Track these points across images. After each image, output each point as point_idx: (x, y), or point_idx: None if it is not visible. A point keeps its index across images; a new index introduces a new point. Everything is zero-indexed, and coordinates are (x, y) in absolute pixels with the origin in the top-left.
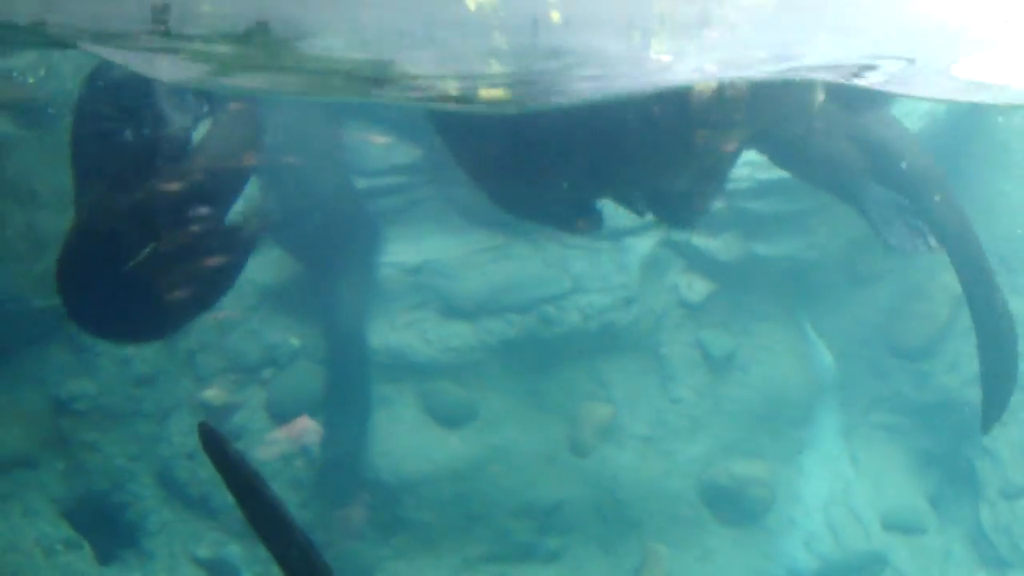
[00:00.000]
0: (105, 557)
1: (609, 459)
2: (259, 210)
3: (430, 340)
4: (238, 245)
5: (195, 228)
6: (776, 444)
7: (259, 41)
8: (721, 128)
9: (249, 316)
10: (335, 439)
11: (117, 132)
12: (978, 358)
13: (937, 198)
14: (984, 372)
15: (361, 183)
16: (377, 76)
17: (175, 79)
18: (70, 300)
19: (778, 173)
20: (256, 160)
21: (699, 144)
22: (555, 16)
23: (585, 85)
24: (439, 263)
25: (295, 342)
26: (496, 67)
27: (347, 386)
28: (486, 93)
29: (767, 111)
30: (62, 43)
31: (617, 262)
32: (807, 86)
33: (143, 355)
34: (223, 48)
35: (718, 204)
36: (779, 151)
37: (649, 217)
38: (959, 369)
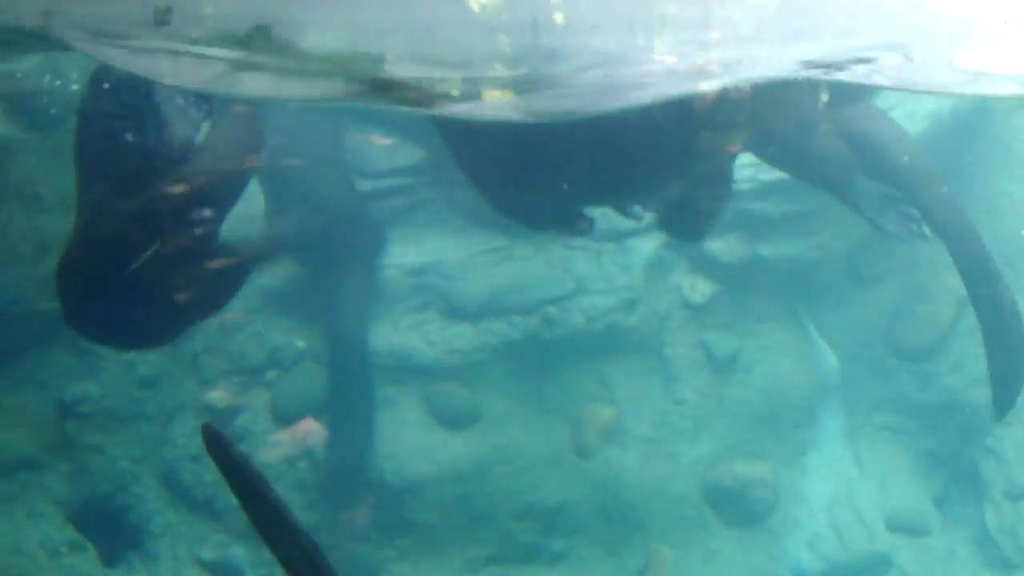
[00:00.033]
0: (109, 559)
1: (613, 460)
2: (271, 233)
3: (433, 342)
4: (240, 261)
5: (196, 232)
6: (780, 445)
7: (261, 43)
8: (725, 129)
9: (253, 318)
10: (339, 441)
11: (120, 133)
12: (984, 344)
13: (928, 187)
14: (990, 358)
15: (364, 185)
16: (379, 78)
17: (177, 82)
18: (69, 304)
19: (780, 174)
20: (256, 162)
21: (702, 146)
22: (558, 18)
23: (590, 84)
24: (442, 265)
25: (300, 344)
26: (500, 69)
27: (351, 388)
28: (490, 95)
29: (771, 112)
30: (65, 46)
31: (620, 263)
32: (811, 86)
33: (147, 358)
34: (226, 50)
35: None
36: (768, 148)
37: (647, 219)
38: (963, 370)
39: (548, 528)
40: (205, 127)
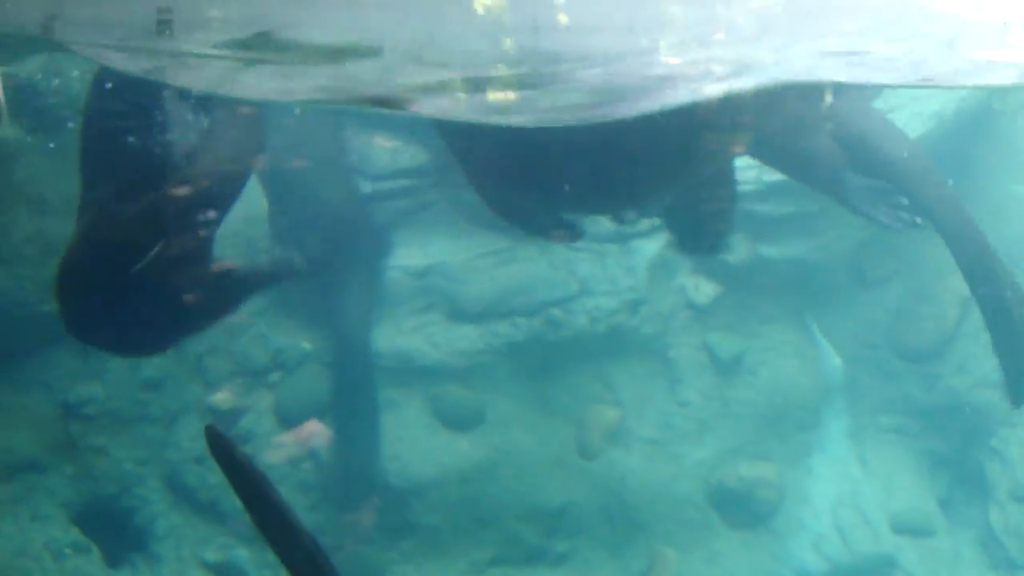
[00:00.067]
0: (113, 561)
1: (617, 462)
2: (279, 258)
3: (437, 343)
4: (242, 278)
5: (194, 235)
6: (784, 446)
7: (264, 45)
8: (727, 132)
9: (257, 320)
10: (344, 444)
11: (121, 136)
12: (992, 341)
13: (927, 187)
14: (1001, 354)
15: (368, 187)
16: (384, 81)
17: (180, 83)
18: (69, 309)
19: (784, 175)
20: (254, 164)
21: (704, 149)
22: (562, 19)
23: (593, 83)
24: (446, 266)
25: (306, 346)
26: (504, 70)
27: (355, 391)
28: (494, 96)
29: (776, 113)
30: (68, 49)
31: (624, 265)
32: (816, 87)
33: (151, 359)
34: (230, 52)
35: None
36: (761, 149)
37: (644, 225)
38: (968, 371)
39: (552, 530)
40: (204, 129)
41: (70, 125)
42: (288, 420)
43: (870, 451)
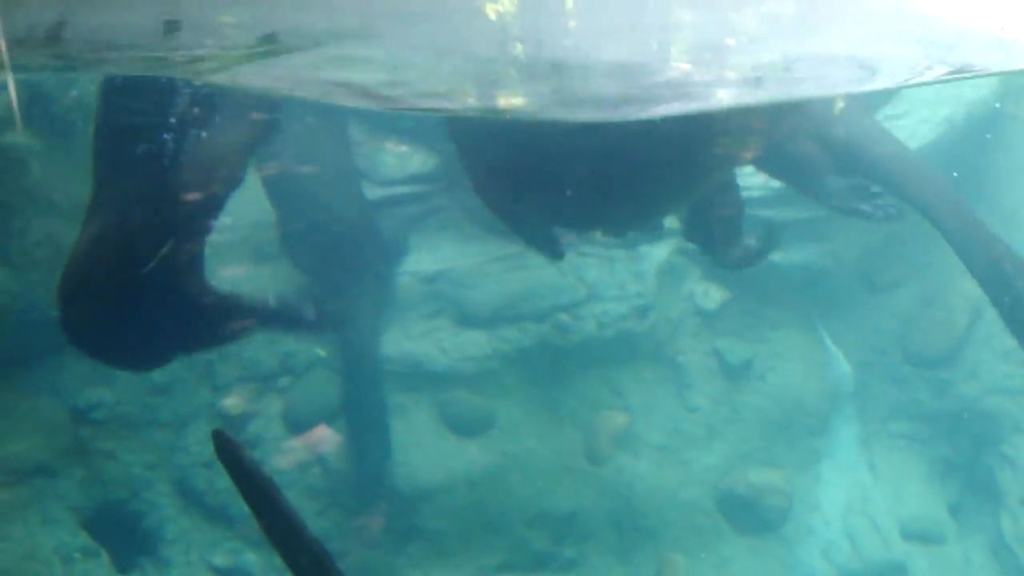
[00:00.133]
0: (122, 565)
1: (625, 468)
2: (293, 306)
3: (446, 349)
4: (242, 309)
5: (195, 242)
6: (793, 452)
7: (275, 50)
8: (740, 136)
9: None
10: (355, 449)
11: (126, 139)
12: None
13: (930, 194)
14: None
15: (377, 192)
16: (393, 83)
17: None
18: (70, 318)
19: None
20: (245, 169)
21: (712, 158)
22: (572, 25)
23: (607, 92)
24: (455, 272)
25: (321, 352)
26: (515, 76)
27: (364, 396)
28: (505, 102)
29: (787, 118)
30: (77, 55)
31: (633, 270)
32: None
33: None
34: (242, 57)
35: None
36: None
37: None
38: (978, 377)
39: (560, 536)
40: (200, 136)
41: (81, 130)
42: (297, 425)
43: (880, 457)
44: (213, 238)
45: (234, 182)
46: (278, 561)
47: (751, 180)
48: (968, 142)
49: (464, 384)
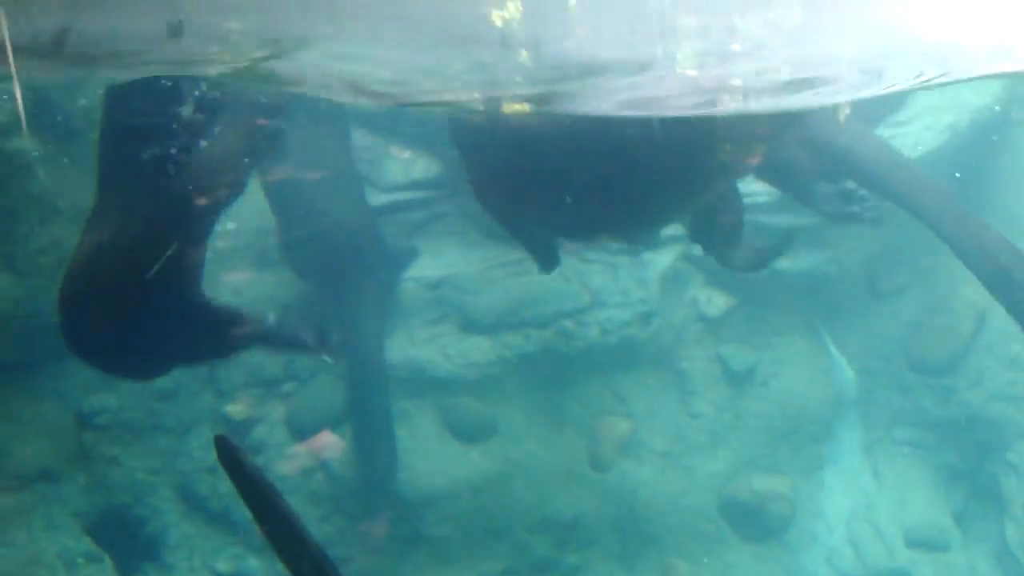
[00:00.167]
0: (126, 571)
1: (628, 474)
2: (294, 329)
3: (449, 355)
4: (240, 326)
5: (195, 249)
6: (797, 459)
7: (280, 55)
8: (746, 141)
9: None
10: (362, 455)
11: (136, 140)
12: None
13: (930, 202)
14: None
15: (381, 198)
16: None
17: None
18: (70, 324)
19: None
20: (247, 177)
21: (720, 162)
22: (580, 31)
23: (611, 99)
24: (459, 278)
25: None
26: (520, 81)
27: (370, 401)
28: (510, 107)
29: (788, 126)
30: (81, 61)
31: (636, 277)
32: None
33: None
34: (248, 62)
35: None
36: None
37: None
38: (983, 384)
39: (563, 542)
40: (203, 143)
41: (85, 136)
42: (300, 431)
43: (884, 464)
44: (217, 244)
45: (236, 189)
46: (280, 567)
47: (756, 187)
48: (972, 149)
49: (468, 390)
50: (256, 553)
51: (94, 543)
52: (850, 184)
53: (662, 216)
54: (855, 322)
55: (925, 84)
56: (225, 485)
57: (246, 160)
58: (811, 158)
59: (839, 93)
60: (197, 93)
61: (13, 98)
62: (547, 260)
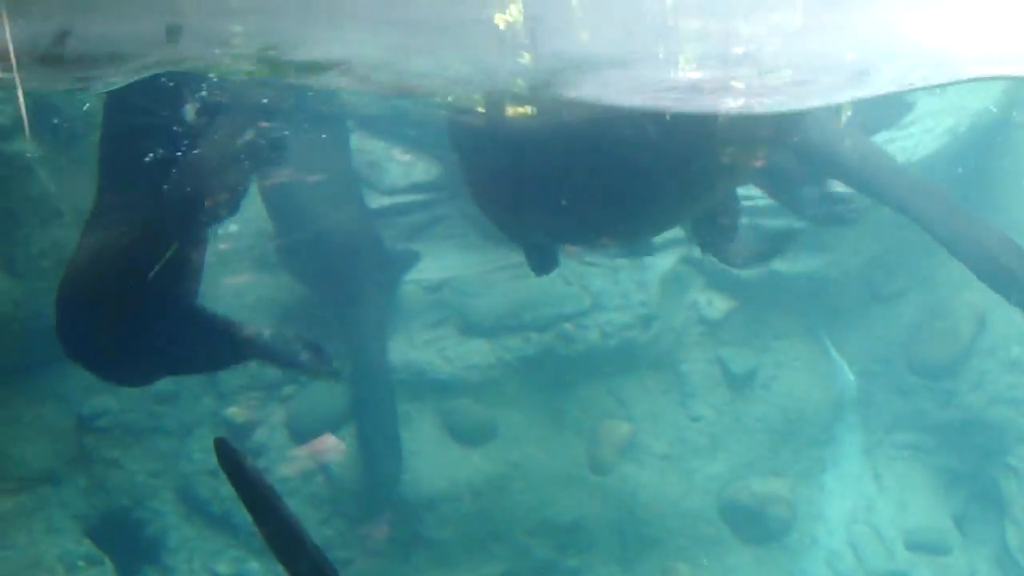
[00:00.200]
0: (126, 573)
1: (629, 477)
2: (290, 344)
3: (449, 357)
4: (237, 339)
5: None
6: (797, 462)
7: (279, 57)
8: (748, 144)
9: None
10: (364, 457)
11: (135, 142)
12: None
13: (925, 205)
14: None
15: (382, 201)
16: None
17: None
18: (65, 327)
19: None
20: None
21: (722, 164)
22: (583, 35)
23: (613, 99)
24: (459, 280)
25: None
26: (523, 85)
27: (374, 405)
28: (512, 111)
29: (790, 127)
30: (82, 64)
31: (636, 280)
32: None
33: None
34: (253, 64)
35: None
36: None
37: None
38: (983, 387)
39: (563, 544)
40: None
41: (85, 139)
42: (301, 434)
43: (884, 467)
44: (219, 246)
45: (236, 194)
46: (281, 569)
47: (755, 190)
48: (972, 152)
49: (468, 393)
50: (257, 556)
51: (94, 546)
52: (833, 186)
53: (661, 220)
54: (855, 325)
55: (924, 86)
56: (226, 488)
57: (247, 165)
58: (801, 161)
59: (837, 94)
60: (199, 95)
61: (14, 101)
62: (543, 263)
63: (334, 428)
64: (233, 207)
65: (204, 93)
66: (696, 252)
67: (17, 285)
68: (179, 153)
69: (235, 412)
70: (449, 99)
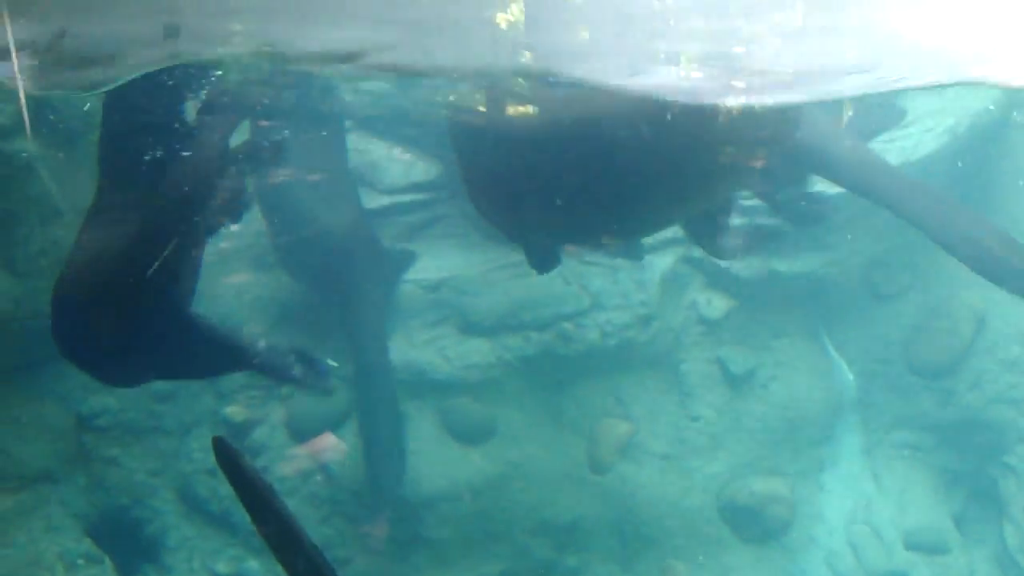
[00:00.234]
0: (125, 572)
1: (628, 476)
2: (282, 356)
3: (449, 357)
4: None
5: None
6: (796, 462)
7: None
8: (749, 145)
9: (269, 333)
10: (369, 456)
11: (133, 142)
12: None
13: (915, 203)
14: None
15: (382, 200)
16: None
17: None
18: (60, 326)
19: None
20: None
21: (726, 164)
22: (583, 34)
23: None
24: (459, 280)
25: (333, 363)
26: (524, 84)
27: (378, 403)
28: (513, 110)
29: (791, 126)
30: (79, 64)
31: (636, 279)
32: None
33: None
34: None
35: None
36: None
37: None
38: (983, 387)
39: (563, 544)
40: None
41: (84, 138)
42: (300, 433)
43: (883, 467)
44: (219, 245)
45: (237, 195)
46: (280, 569)
47: None
48: (972, 151)
49: (467, 392)
50: (256, 555)
51: (94, 544)
52: (813, 185)
53: (656, 220)
54: (855, 324)
55: (922, 86)
56: (225, 487)
57: (244, 165)
58: (794, 161)
59: (839, 92)
60: (198, 93)
61: (14, 100)
62: (544, 262)
63: (334, 427)
64: (236, 214)
65: (205, 91)
66: (696, 252)
67: (17, 284)
68: (175, 152)
69: (234, 411)
70: (451, 98)
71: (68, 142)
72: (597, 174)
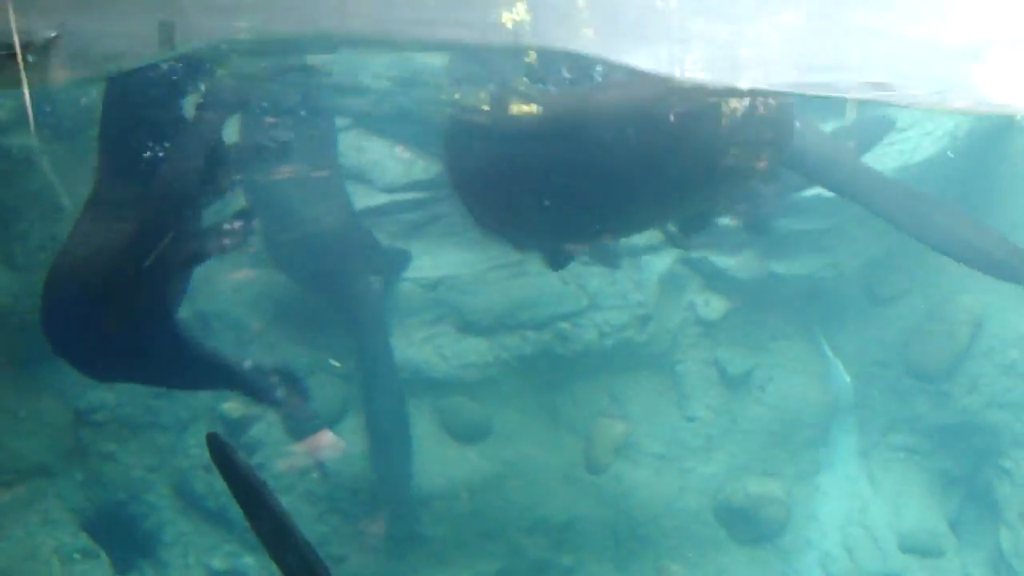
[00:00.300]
0: (122, 567)
1: (624, 476)
2: (266, 378)
3: (446, 356)
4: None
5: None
6: (793, 464)
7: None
8: (752, 147)
9: (267, 330)
10: (375, 453)
11: (131, 138)
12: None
13: (904, 207)
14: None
15: (380, 198)
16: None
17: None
18: (49, 319)
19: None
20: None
21: (729, 165)
22: (588, 33)
23: (614, 98)
24: (456, 279)
25: (336, 363)
26: (527, 83)
27: (384, 400)
28: (516, 108)
29: (789, 131)
30: (75, 61)
31: (634, 280)
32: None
33: None
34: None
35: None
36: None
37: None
38: (979, 391)
39: (558, 543)
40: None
41: (84, 134)
42: (297, 430)
43: (879, 470)
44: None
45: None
46: (275, 566)
47: None
48: (971, 155)
49: (464, 391)
50: (251, 551)
51: (90, 539)
52: (788, 195)
53: (653, 219)
54: (852, 327)
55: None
56: (221, 483)
57: (238, 164)
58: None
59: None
60: (198, 87)
61: (15, 95)
62: (559, 259)
63: (331, 425)
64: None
65: (204, 87)
66: (694, 253)
67: (16, 279)
68: (171, 148)
69: (231, 407)
70: (456, 96)
71: (70, 137)
72: (583, 177)
